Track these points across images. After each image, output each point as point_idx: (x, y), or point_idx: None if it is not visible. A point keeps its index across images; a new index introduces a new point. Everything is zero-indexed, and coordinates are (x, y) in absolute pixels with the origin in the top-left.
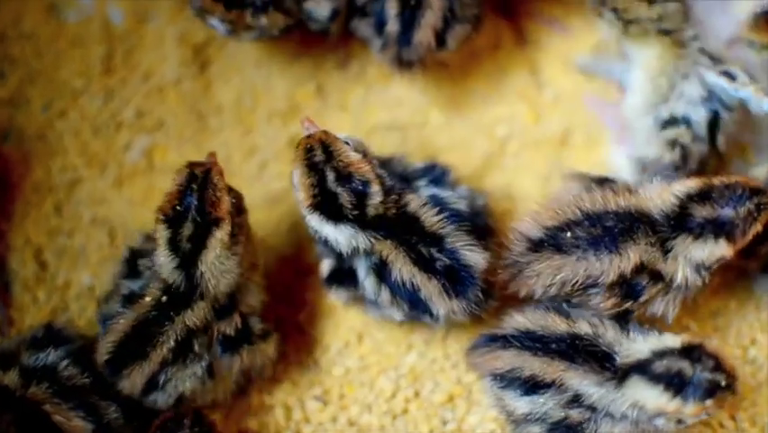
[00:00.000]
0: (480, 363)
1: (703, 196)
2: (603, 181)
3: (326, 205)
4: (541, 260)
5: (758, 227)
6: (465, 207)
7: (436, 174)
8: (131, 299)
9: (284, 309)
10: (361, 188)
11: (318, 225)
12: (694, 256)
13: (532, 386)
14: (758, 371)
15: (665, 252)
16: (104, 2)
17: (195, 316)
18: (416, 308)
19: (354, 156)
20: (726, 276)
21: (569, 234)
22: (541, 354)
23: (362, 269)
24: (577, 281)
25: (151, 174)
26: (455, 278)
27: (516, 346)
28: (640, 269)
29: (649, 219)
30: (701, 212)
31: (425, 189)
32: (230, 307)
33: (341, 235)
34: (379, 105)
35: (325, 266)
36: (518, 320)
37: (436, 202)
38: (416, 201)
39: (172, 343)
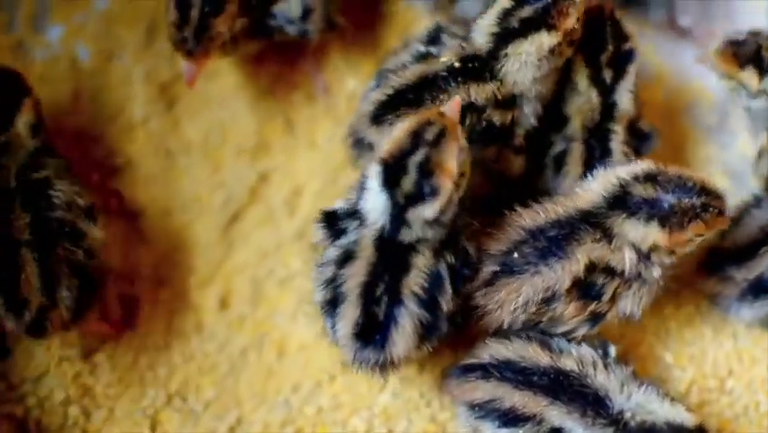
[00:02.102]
0: (457, 392)
1: (648, 177)
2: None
3: (391, 170)
4: (499, 289)
5: (701, 227)
6: None
7: None
8: None
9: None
10: (427, 191)
11: (372, 175)
12: (628, 235)
13: (511, 418)
14: (736, 402)
15: (609, 241)
16: (71, 40)
17: None
18: None
19: (452, 163)
20: (700, 303)
21: (516, 254)
22: (522, 388)
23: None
24: (538, 297)
25: (121, 214)
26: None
27: (495, 377)
28: (592, 268)
29: (588, 213)
30: (640, 191)
31: None
32: None
33: (375, 199)
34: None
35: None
36: (498, 349)
37: None
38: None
39: None
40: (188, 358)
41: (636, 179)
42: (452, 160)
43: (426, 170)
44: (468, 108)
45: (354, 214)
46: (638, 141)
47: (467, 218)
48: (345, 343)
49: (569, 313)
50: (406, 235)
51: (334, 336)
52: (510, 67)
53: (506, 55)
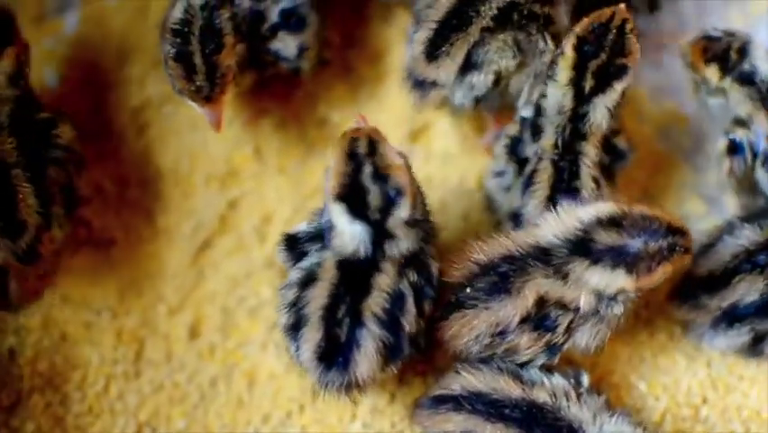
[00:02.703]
0: (428, 423)
1: (612, 222)
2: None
3: (353, 198)
4: (452, 321)
5: (669, 268)
6: None
7: None
8: None
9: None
10: (392, 194)
11: (336, 216)
12: (591, 283)
13: None
14: (711, 430)
15: (563, 279)
16: (39, 65)
17: None
18: None
19: (398, 161)
20: (674, 331)
21: (469, 289)
22: (494, 420)
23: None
24: (490, 331)
25: (91, 244)
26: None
27: (467, 409)
28: (542, 303)
29: (543, 250)
30: (604, 238)
31: None
32: None
33: (351, 233)
34: (320, 167)
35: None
36: (469, 380)
37: None
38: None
39: None
40: (158, 388)
41: (600, 223)
42: (393, 154)
43: (382, 177)
44: (511, 7)
45: (317, 237)
46: (612, 158)
47: (430, 227)
48: (309, 366)
49: (524, 344)
50: (393, 249)
51: (298, 360)
52: None
53: None
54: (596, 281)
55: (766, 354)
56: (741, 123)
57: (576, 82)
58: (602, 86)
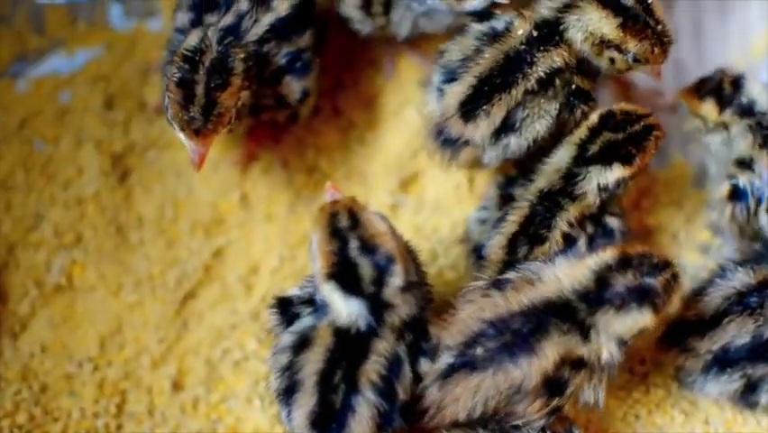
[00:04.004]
0: None
1: (622, 264)
2: (500, 283)
3: (344, 275)
4: (456, 384)
5: (678, 298)
6: None
7: None
8: None
9: None
10: (383, 263)
11: (329, 294)
12: (616, 330)
13: None
14: None
15: (584, 334)
16: None
17: None
18: None
19: (382, 227)
20: (670, 386)
21: (478, 348)
22: None
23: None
24: (500, 394)
25: (71, 293)
26: None
27: None
28: (561, 363)
29: (558, 306)
30: (623, 281)
31: None
32: None
33: (347, 310)
34: (308, 215)
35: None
36: None
37: None
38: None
39: None
40: None
41: (610, 268)
42: (376, 221)
43: (370, 249)
44: (555, 74)
45: (309, 301)
46: (598, 231)
47: (426, 287)
48: (301, 431)
49: (532, 409)
50: (388, 320)
51: (290, 425)
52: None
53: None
54: (621, 327)
55: (762, 405)
56: (743, 164)
57: (583, 144)
58: (604, 158)
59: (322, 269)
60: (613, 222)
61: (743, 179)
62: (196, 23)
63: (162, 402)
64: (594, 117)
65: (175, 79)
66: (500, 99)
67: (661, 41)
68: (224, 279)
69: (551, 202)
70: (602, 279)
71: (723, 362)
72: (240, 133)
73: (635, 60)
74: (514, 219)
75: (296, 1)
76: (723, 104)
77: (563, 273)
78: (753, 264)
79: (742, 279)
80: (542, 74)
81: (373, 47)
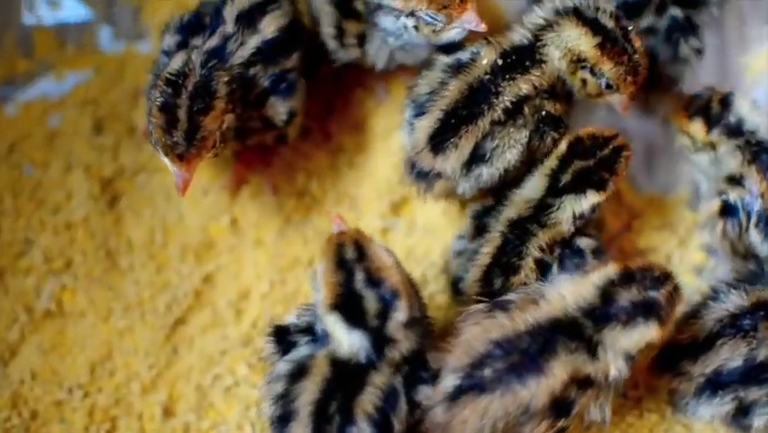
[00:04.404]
0: None
1: (625, 279)
2: (503, 304)
3: (349, 307)
4: (464, 406)
5: (677, 313)
6: None
7: None
8: None
9: None
10: (388, 297)
11: (332, 326)
12: (623, 345)
13: None
14: None
15: (592, 351)
16: None
17: None
18: None
19: (389, 261)
20: (664, 411)
21: (486, 369)
22: None
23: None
24: (509, 415)
25: (61, 319)
26: None
27: None
28: (569, 383)
29: (565, 324)
30: (626, 296)
31: None
32: None
33: (349, 342)
34: (298, 240)
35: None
36: None
37: None
38: None
39: None
40: None
41: (614, 284)
42: (383, 255)
43: (375, 282)
44: (523, 102)
45: (306, 330)
46: (565, 253)
47: (428, 323)
48: None
49: (538, 431)
50: (394, 351)
51: None
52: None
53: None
54: (628, 342)
55: (755, 428)
56: (733, 180)
57: (555, 174)
58: (577, 187)
59: (326, 300)
60: (583, 242)
61: (733, 195)
62: (183, 45)
63: (153, 429)
64: (563, 146)
65: (158, 103)
66: (467, 131)
67: (635, 71)
68: (215, 304)
69: (521, 230)
70: (607, 294)
71: (716, 385)
72: (229, 157)
73: (607, 86)
74: (487, 251)
75: (283, 24)
76: (711, 123)
77: (567, 291)
78: (746, 286)
79: (735, 301)
80: (508, 104)
81: (364, 70)
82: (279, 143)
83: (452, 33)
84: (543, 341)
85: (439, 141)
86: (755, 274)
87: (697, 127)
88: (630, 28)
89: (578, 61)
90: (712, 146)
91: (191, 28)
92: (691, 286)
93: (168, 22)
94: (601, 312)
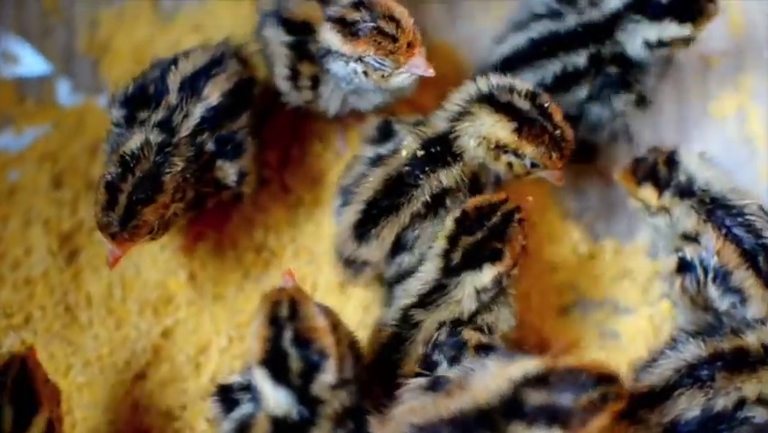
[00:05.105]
0: None
1: (539, 380)
2: (437, 384)
3: (274, 362)
4: None
5: (603, 419)
6: None
7: None
8: None
9: None
10: (315, 358)
11: (260, 380)
12: None
13: None
14: None
15: None
16: None
17: None
18: None
19: (321, 323)
20: None
21: None
22: None
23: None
24: None
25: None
26: None
27: None
28: None
29: (485, 414)
30: (535, 397)
31: None
32: None
33: (275, 398)
34: (256, 294)
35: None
36: None
37: None
38: None
39: None
40: None
41: (528, 383)
42: (317, 318)
43: (303, 342)
44: (444, 195)
45: (249, 387)
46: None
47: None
48: None
49: None
50: (321, 411)
51: None
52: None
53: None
54: None
55: None
56: (689, 238)
57: (446, 254)
58: (471, 264)
59: (255, 354)
60: (469, 334)
61: (689, 252)
62: (130, 119)
63: None
64: (449, 224)
65: (105, 180)
66: (389, 222)
67: (559, 146)
68: (173, 358)
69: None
70: (517, 391)
71: None
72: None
73: (534, 165)
74: (385, 333)
75: (228, 88)
76: (661, 187)
77: (491, 379)
78: (704, 336)
79: (693, 351)
80: (428, 197)
81: (321, 121)
82: (236, 201)
83: (401, 79)
84: (461, 429)
85: (362, 231)
86: (713, 327)
87: (647, 193)
88: (547, 105)
89: (498, 148)
90: (666, 210)
91: (136, 101)
92: (654, 333)
93: (113, 94)
94: (510, 407)
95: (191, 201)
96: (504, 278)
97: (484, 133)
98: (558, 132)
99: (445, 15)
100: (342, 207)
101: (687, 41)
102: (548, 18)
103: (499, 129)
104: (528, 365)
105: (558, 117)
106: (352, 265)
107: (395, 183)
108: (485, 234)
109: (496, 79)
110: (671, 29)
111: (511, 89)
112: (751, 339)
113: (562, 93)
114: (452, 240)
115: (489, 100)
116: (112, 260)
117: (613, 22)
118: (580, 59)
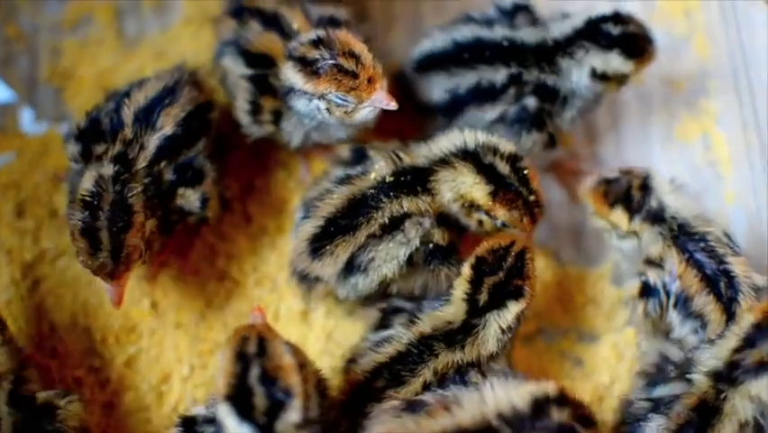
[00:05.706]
0: None
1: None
2: (415, 406)
3: (239, 399)
4: None
5: None
6: None
7: None
8: None
9: None
10: (280, 396)
11: (224, 416)
12: None
13: None
14: None
15: None
16: None
17: None
18: None
19: (287, 361)
20: None
21: None
22: None
23: None
24: None
25: None
26: None
27: None
28: None
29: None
30: (556, 416)
31: None
32: None
33: None
34: (219, 323)
35: None
36: None
37: None
38: None
39: None
40: None
41: (500, 417)
42: (286, 356)
43: (269, 380)
44: (403, 219)
45: (213, 420)
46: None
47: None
48: None
49: None
50: None
51: None
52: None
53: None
54: None
55: None
56: (652, 263)
57: (471, 296)
58: (497, 302)
59: (221, 389)
60: (477, 378)
61: (652, 276)
62: (86, 153)
63: None
64: (467, 271)
65: (78, 228)
66: (344, 240)
67: (531, 212)
68: (137, 387)
69: (426, 348)
70: (538, 408)
71: None
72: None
73: (504, 225)
74: (386, 351)
75: (181, 117)
76: (632, 212)
77: (491, 396)
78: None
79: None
80: (386, 219)
81: (284, 150)
82: (201, 225)
83: (364, 113)
84: None
85: (318, 246)
86: (662, 369)
87: (618, 216)
88: (526, 171)
89: (472, 206)
90: (635, 234)
91: (90, 135)
92: (618, 360)
93: (66, 131)
94: (523, 423)
95: (160, 225)
96: (522, 316)
97: (462, 191)
98: (532, 197)
99: (410, 40)
100: (302, 219)
101: (622, 80)
102: (477, 24)
103: (477, 190)
104: (545, 387)
105: (534, 183)
106: (305, 280)
107: (357, 203)
108: (506, 274)
109: (483, 138)
110: (616, 61)
111: (495, 151)
112: (697, 378)
113: (474, 108)
114: (476, 282)
115: (474, 159)
116: (116, 298)
117: (559, 47)
118: (498, 75)
